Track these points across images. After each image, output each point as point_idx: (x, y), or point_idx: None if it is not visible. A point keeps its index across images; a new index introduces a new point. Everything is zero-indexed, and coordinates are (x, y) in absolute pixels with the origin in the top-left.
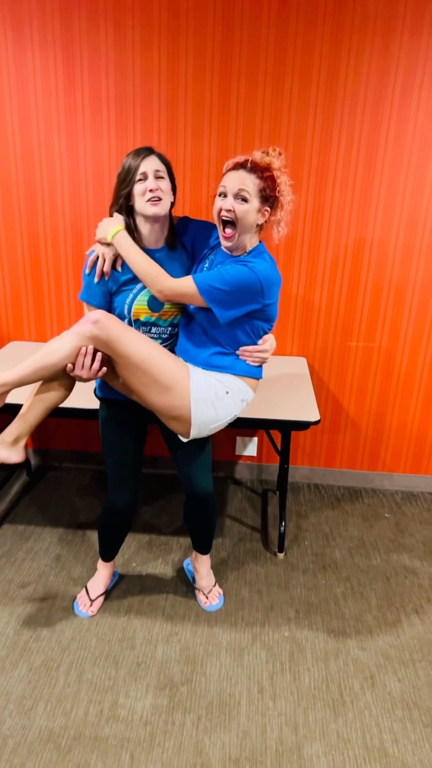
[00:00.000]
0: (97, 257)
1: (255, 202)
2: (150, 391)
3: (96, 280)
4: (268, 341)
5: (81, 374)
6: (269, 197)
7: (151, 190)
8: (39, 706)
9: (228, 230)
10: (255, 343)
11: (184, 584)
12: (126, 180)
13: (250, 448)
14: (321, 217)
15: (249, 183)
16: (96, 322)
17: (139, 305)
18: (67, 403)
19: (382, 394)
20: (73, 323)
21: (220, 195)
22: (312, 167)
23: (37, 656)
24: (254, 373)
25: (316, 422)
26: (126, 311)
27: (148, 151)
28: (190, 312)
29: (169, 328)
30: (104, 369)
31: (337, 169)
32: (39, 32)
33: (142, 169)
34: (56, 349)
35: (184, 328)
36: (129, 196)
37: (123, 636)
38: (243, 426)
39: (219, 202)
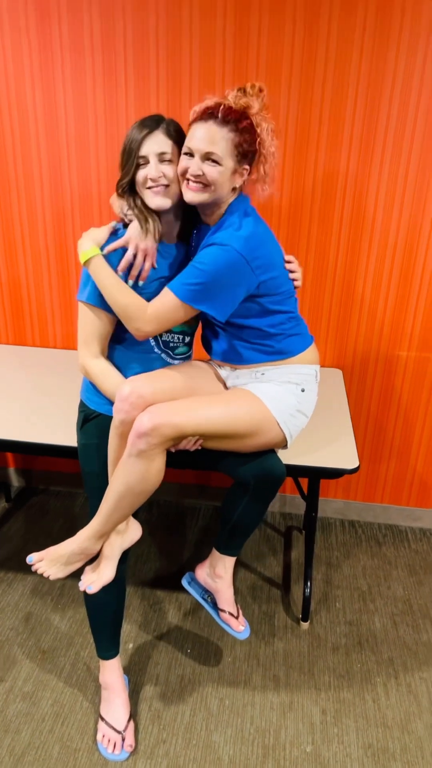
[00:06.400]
0: (134, 254)
1: (230, 163)
2: (243, 443)
3: (129, 282)
4: (293, 263)
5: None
6: (247, 153)
7: (152, 179)
8: None
9: (194, 184)
10: (281, 324)
11: (181, 665)
12: (128, 161)
13: None
14: (366, 188)
15: (220, 141)
16: (149, 433)
17: None
18: (58, 440)
19: None
20: (57, 328)
21: (185, 154)
22: (356, 119)
23: None
24: (304, 342)
25: (353, 470)
26: None
27: (152, 125)
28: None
29: (181, 336)
30: (200, 441)
31: (389, 124)
32: None
33: (143, 152)
34: (139, 482)
35: (213, 340)
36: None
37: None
38: None
39: (185, 161)
